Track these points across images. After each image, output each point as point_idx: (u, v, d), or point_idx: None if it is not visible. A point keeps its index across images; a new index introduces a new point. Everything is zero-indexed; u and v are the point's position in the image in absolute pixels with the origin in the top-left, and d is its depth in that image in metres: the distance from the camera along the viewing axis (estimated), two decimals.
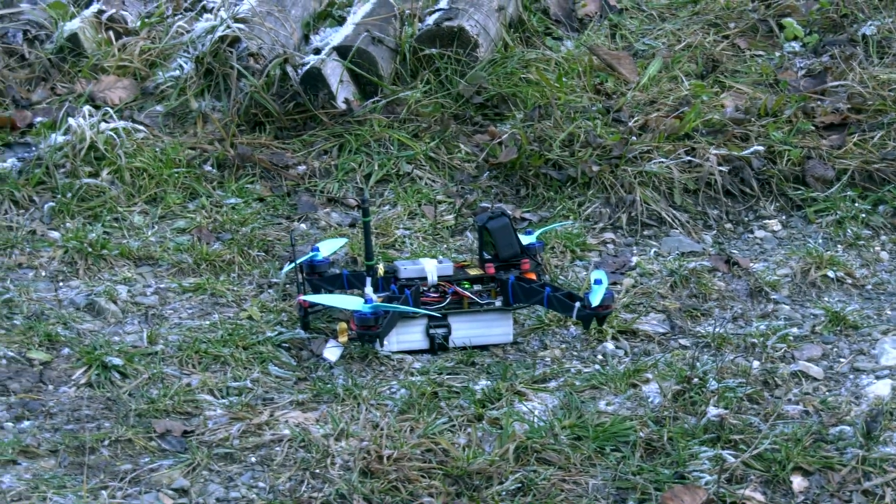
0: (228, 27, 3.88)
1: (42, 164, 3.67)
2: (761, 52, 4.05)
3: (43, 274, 3.33)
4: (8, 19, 3.94)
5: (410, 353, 3.15)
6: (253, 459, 2.57)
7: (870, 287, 3.44)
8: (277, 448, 2.62)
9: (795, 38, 4.09)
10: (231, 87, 3.89)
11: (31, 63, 3.88)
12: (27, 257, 3.40)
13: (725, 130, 3.78)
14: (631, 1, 4.40)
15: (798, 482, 2.41)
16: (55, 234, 3.49)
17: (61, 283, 3.30)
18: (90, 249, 3.38)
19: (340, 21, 4.28)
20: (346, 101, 4.04)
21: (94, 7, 4.00)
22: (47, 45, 3.92)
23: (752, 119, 3.82)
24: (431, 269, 3.19)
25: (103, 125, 3.72)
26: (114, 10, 4.04)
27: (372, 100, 4.09)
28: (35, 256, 3.40)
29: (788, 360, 2.95)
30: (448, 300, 3.17)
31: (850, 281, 3.46)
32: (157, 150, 3.83)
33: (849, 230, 3.71)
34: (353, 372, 3.05)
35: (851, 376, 2.98)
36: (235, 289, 3.41)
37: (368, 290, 3.06)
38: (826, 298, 3.43)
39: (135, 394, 2.76)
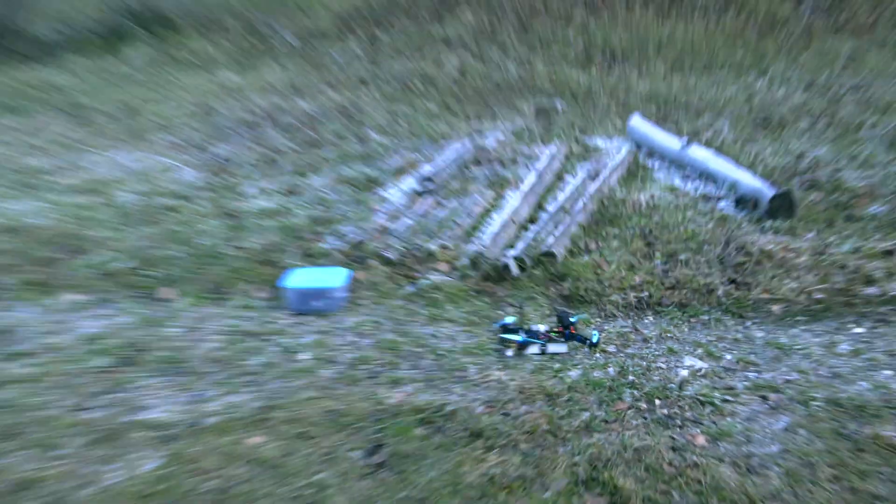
0: None
1: None
2: None
3: None
4: None
5: (535, 354, 4.54)
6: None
7: (682, 339, 4.79)
8: (497, 384, 4.10)
9: None
10: None
11: None
12: None
13: None
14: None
15: (658, 404, 3.98)
16: None
17: None
18: None
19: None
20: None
21: None
22: None
23: None
24: (542, 327, 4.67)
25: None
26: None
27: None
28: None
29: (652, 364, 4.43)
30: (546, 337, 4.57)
31: (675, 336, 4.83)
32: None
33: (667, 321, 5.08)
34: (515, 358, 4.48)
35: (676, 369, 4.39)
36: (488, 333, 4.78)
37: (522, 335, 4.54)
38: (667, 344, 4.75)
39: None
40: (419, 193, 6.62)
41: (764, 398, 4.09)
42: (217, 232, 6.13)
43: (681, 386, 4.23)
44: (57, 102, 11.23)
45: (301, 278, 5.12)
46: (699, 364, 4.57)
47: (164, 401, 4.29)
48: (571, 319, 4.80)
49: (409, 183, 6.90)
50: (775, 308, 5.34)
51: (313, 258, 5.66)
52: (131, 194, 7.08)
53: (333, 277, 5.09)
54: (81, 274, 5.85)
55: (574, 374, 4.39)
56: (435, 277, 5.39)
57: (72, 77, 12.74)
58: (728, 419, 3.87)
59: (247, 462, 3.70)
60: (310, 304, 5.01)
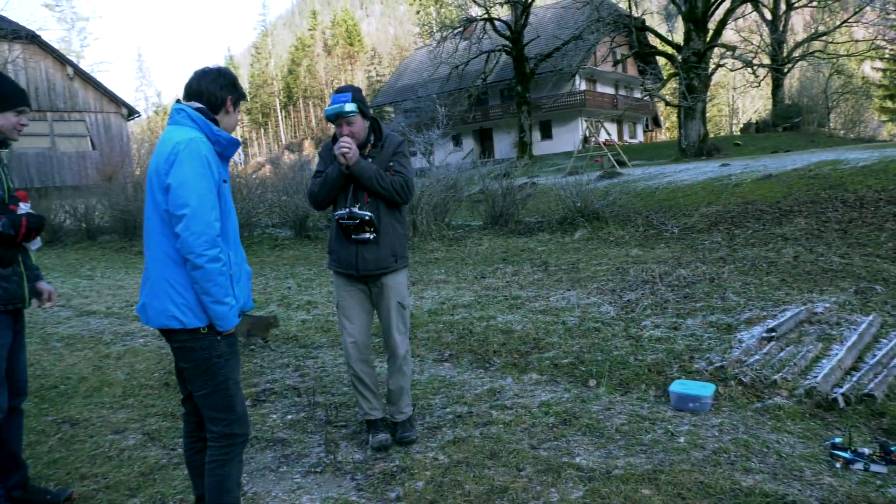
0: None
1: None
2: None
3: None
4: None
5: (859, 470, 3.62)
6: None
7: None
8: (828, 487, 3.33)
9: None
10: None
11: None
12: None
13: None
14: None
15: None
16: None
17: None
18: None
19: None
20: None
21: None
22: None
23: None
24: (867, 450, 3.67)
25: None
26: None
27: None
28: None
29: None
30: (870, 459, 3.61)
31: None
32: None
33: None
34: (842, 470, 3.62)
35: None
36: None
37: (849, 453, 3.64)
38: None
39: None
40: (766, 339, 5.87)
41: None
42: (624, 347, 5.92)
43: None
44: (532, 259, 11.81)
45: (681, 386, 4.75)
46: None
47: (587, 452, 4.12)
48: (892, 448, 3.88)
49: (757, 331, 6.17)
50: None
51: (688, 374, 5.22)
52: (572, 318, 7.07)
53: (704, 389, 4.63)
54: (541, 362, 5.89)
55: (893, 490, 3.51)
56: (778, 400, 4.67)
57: (541, 245, 13.46)
58: None
59: None
60: (687, 405, 4.58)
